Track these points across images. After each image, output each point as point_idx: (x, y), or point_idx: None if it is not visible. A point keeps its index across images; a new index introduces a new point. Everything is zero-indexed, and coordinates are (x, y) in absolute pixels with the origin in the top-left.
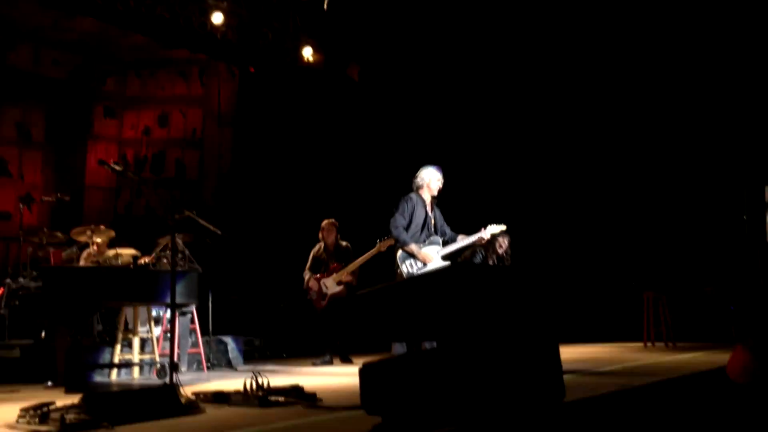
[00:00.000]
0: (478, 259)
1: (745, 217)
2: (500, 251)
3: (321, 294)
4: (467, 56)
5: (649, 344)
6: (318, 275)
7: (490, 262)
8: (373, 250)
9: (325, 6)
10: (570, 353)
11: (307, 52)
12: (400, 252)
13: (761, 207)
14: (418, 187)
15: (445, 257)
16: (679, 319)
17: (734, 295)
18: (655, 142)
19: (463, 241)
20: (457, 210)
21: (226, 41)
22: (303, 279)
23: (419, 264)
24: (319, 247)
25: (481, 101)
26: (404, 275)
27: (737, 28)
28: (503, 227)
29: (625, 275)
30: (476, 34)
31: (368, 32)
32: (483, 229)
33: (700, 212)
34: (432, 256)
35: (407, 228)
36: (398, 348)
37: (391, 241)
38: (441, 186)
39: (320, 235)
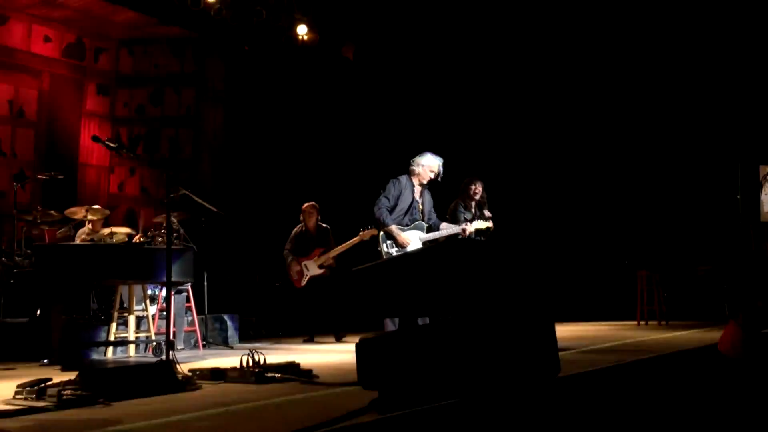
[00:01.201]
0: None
1: (738, 195)
2: (477, 198)
3: (302, 275)
4: (464, 36)
5: (642, 323)
6: (300, 258)
7: (469, 215)
8: (355, 238)
9: None
10: (564, 331)
11: (302, 31)
12: (382, 233)
13: (755, 185)
14: (412, 171)
15: (425, 243)
16: (672, 297)
17: (727, 274)
18: (650, 120)
19: (446, 229)
20: (448, 189)
21: (220, 18)
22: (285, 258)
23: (398, 247)
24: (301, 228)
25: (477, 82)
26: (383, 255)
27: (733, 10)
28: (489, 224)
29: (619, 254)
30: (473, 14)
31: (364, 11)
32: (468, 222)
33: (693, 191)
34: (411, 240)
35: (392, 210)
36: (390, 325)
37: (374, 231)
38: (434, 176)
39: (301, 217)
